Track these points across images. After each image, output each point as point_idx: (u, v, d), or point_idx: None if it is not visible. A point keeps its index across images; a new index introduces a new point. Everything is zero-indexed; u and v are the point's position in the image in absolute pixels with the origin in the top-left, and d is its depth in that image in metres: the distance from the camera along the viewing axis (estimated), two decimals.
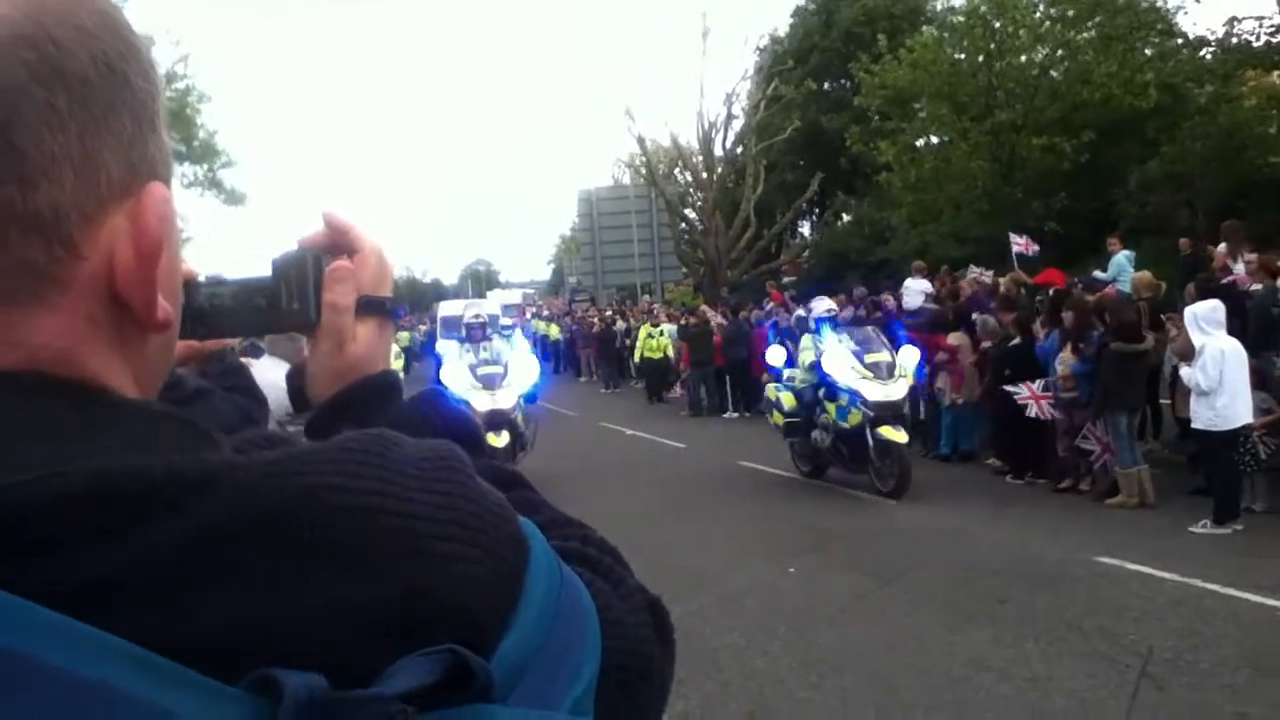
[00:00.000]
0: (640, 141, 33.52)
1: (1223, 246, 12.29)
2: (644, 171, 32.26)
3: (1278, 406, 8.92)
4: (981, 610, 6.74)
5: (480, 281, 79.98)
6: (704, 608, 6.97)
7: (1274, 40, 18.87)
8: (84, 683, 0.47)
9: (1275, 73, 20.16)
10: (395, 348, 10.00)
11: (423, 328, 45.03)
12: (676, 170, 36.61)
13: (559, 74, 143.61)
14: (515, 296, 41.60)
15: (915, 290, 16.08)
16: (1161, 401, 10.72)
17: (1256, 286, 10.23)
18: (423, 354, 38.36)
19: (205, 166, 28.40)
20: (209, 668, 0.50)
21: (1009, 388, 10.86)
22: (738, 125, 33.55)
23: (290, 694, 0.49)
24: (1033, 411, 10.62)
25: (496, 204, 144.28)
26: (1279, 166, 20.98)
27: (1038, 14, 23.63)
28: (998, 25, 23.54)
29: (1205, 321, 8.57)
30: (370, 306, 0.92)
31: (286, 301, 0.89)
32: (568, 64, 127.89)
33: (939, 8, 30.23)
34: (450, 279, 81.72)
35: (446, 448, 0.65)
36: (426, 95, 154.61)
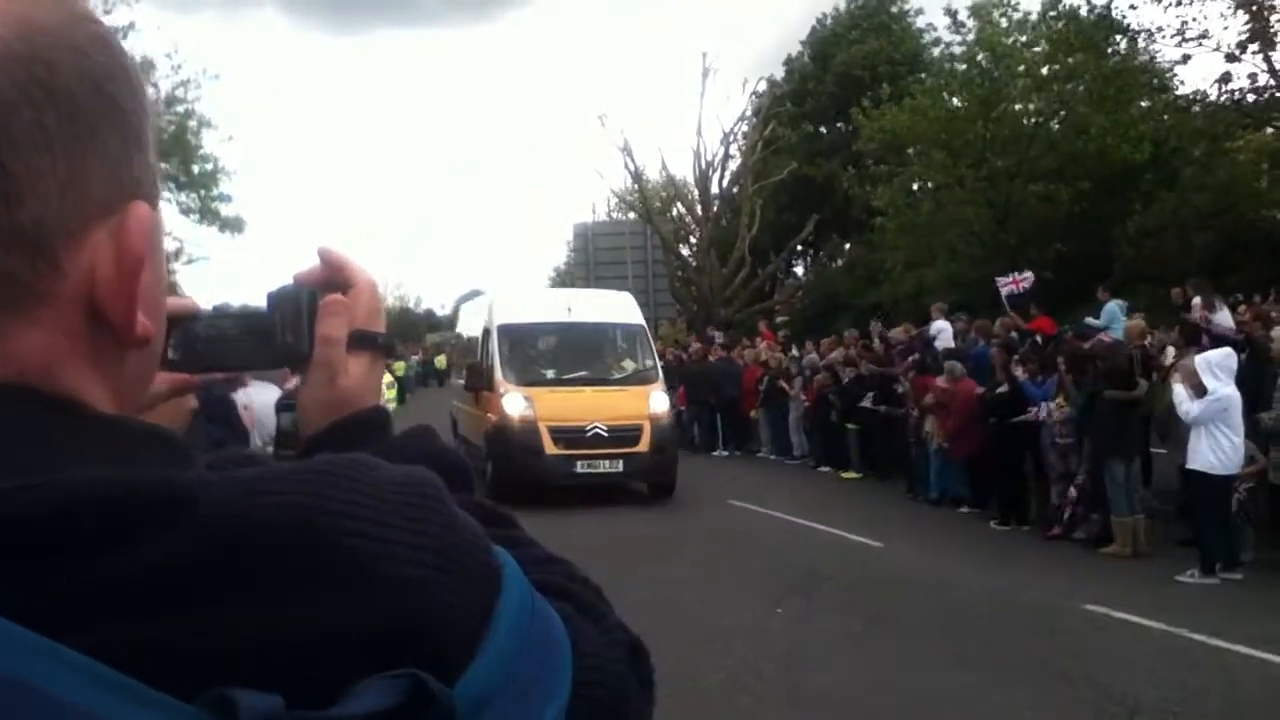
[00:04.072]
0: (637, 177, 33.72)
1: (1197, 299, 12.45)
2: (639, 207, 32.38)
3: (1261, 456, 8.94)
4: (969, 655, 6.69)
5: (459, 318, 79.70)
6: (691, 646, 6.91)
7: (1263, 99, 19.12)
8: (41, 698, 0.47)
9: (1267, 129, 20.40)
10: (388, 378, 9.84)
11: (415, 358, 45.03)
12: (673, 209, 36.78)
13: (556, 106, 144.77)
14: None
15: (946, 331, 15.94)
16: (1153, 450, 10.73)
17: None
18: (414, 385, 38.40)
19: (202, 192, 28.39)
20: (170, 685, 0.49)
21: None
22: (734, 165, 33.78)
23: (245, 713, 0.49)
24: (1043, 413, 10.65)
25: (491, 234, 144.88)
26: (1271, 220, 21.22)
27: (1037, 66, 23.93)
28: (996, 74, 23.85)
29: (1219, 368, 8.60)
30: (363, 341, 0.93)
31: (280, 334, 0.90)
32: (566, 96, 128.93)
33: (936, 54, 30.56)
34: (443, 309, 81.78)
35: (423, 475, 0.65)
36: (422, 124, 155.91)
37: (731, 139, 33.34)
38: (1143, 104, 22.53)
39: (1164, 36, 20.24)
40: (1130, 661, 6.47)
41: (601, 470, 13.03)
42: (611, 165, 57.95)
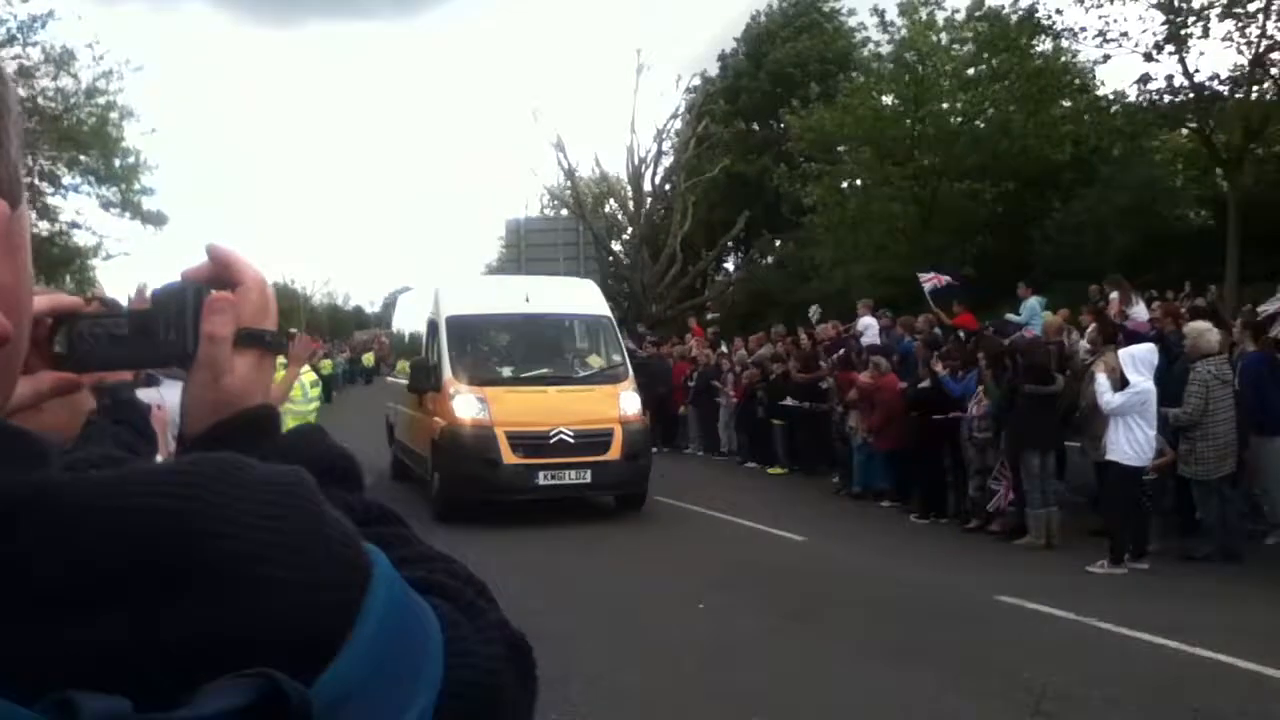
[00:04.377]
0: (570, 173, 33.64)
1: (1114, 295, 12.77)
2: (572, 203, 32.34)
3: (1170, 449, 9.19)
4: (889, 647, 6.78)
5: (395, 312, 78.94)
6: (613, 642, 6.91)
7: (1179, 100, 19.63)
8: None
9: (1183, 130, 20.96)
10: (312, 376, 9.53)
11: (343, 355, 44.45)
12: (605, 204, 36.78)
13: (490, 101, 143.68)
14: None
15: (873, 327, 16.14)
16: (1068, 444, 10.97)
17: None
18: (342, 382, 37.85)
19: (123, 186, 27.74)
20: (14, 690, 0.49)
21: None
22: (667, 161, 33.87)
23: (86, 715, 0.48)
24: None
25: (422, 231, 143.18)
26: (1186, 219, 21.81)
27: (963, 66, 24.33)
28: (923, 74, 24.21)
29: (1141, 363, 8.81)
30: (250, 339, 0.91)
31: (164, 332, 0.89)
32: (500, 92, 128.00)
33: (866, 54, 30.92)
34: (373, 306, 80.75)
35: (294, 474, 0.65)
36: (353, 119, 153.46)
37: (665, 135, 33.44)
38: (1064, 104, 23.04)
39: (1086, 37, 20.68)
40: (1040, 649, 6.59)
41: (567, 482, 11.50)
42: (545, 162, 57.86)
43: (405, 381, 13.97)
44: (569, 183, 33.87)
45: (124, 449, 1.88)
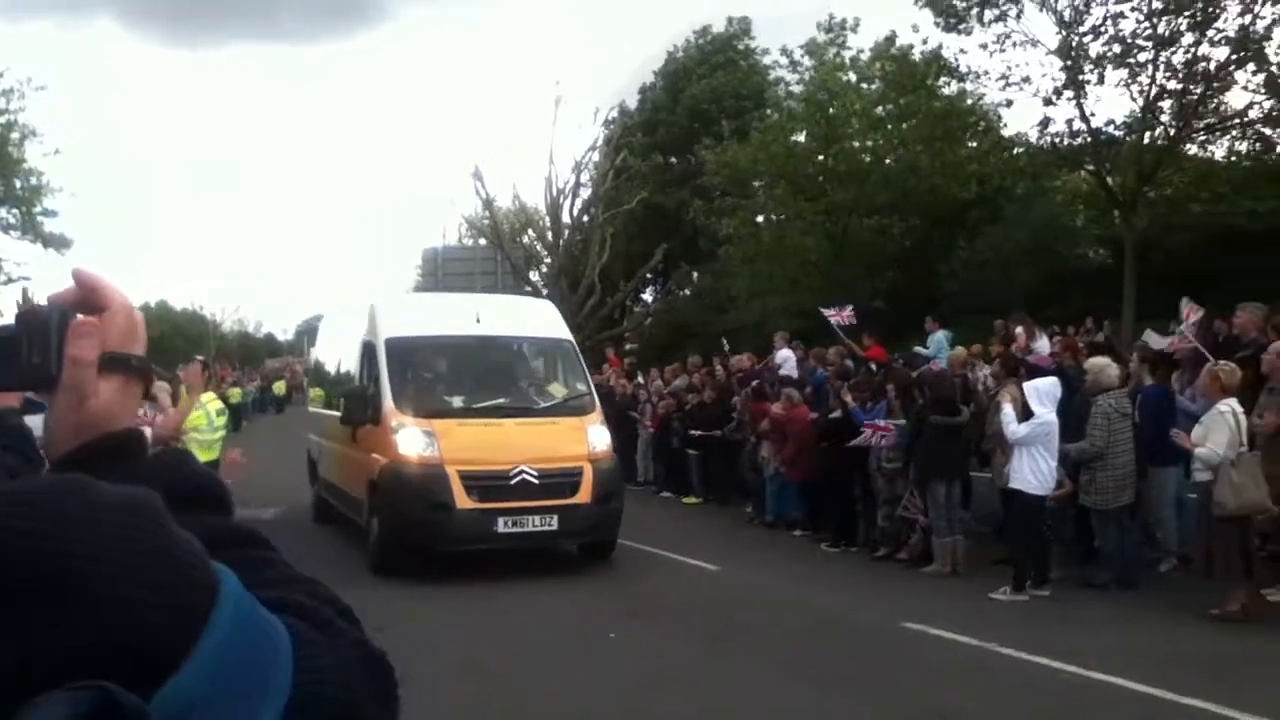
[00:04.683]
0: (488, 203, 33.56)
1: (1020, 330, 13.20)
2: (490, 233, 32.25)
3: (1069, 480, 9.48)
4: (800, 674, 6.86)
5: (317, 336, 77.67)
6: (523, 673, 6.87)
7: (1077, 143, 20.40)
8: None
9: (1081, 172, 21.77)
10: (218, 404, 9.24)
11: (253, 384, 43.53)
12: (522, 235, 36.74)
13: (409, 130, 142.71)
14: None
15: (790, 360, 16.28)
16: (973, 474, 11.24)
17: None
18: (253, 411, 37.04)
19: (24, 208, 26.88)
20: None
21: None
22: (585, 193, 34.01)
23: None
24: (874, 439, 10.91)
25: (337, 259, 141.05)
26: (1086, 258, 22.60)
27: (872, 105, 24.96)
28: (833, 112, 24.77)
29: (1046, 395, 9.09)
30: (115, 363, 0.92)
31: (27, 355, 0.88)
32: (418, 121, 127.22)
33: (780, 92, 31.54)
34: (285, 334, 79.10)
35: (143, 495, 0.66)
36: (267, 144, 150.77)
37: (583, 167, 33.59)
38: (970, 144, 23.76)
39: (989, 80, 21.41)
40: (944, 675, 6.73)
41: (531, 529, 10.08)
42: (463, 191, 57.52)
43: (330, 412, 12.84)
44: (487, 212, 33.78)
45: (6, 473, 1.85)
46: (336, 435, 12.30)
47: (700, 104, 34.88)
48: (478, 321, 11.46)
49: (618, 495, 10.81)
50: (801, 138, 25.75)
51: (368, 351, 11.53)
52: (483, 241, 33.90)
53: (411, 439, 10.26)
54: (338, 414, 11.97)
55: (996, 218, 23.69)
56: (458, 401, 11.10)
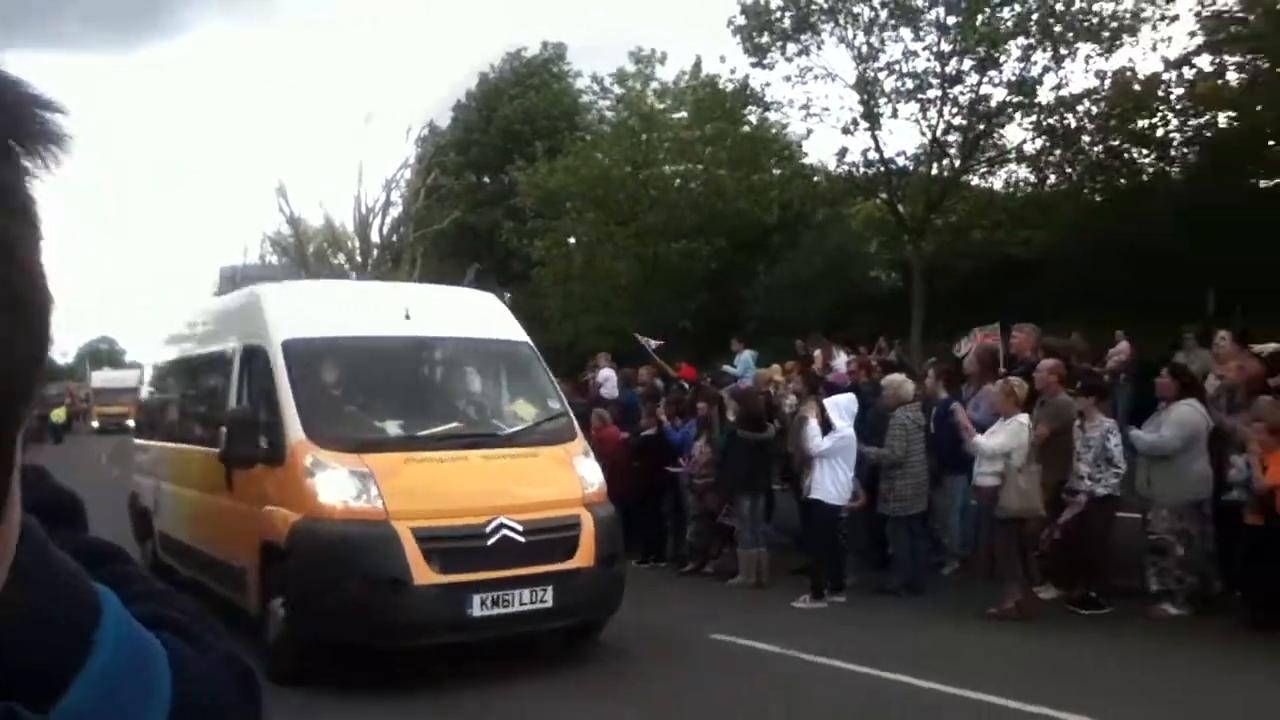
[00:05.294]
0: (293, 221, 32.59)
1: (817, 351, 13.86)
2: (294, 251, 31.33)
3: (863, 492, 9.98)
4: (608, 685, 6.96)
5: (101, 360, 73.33)
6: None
7: (871, 172, 21.55)
8: None
9: (875, 200, 22.97)
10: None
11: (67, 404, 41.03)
12: (330, 253, 35.83)
13: (206, 144, 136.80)
14: (129, 377, 35.44)
15: (612, 380, 16.36)
16: (774, 487, 11.63)
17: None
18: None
19: None
20: None
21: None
22: (396, 212, 33.48)
23: None
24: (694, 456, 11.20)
25: (127, 278, 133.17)
26: (878, 281, 23.85)
27: (681, 131, 25.63)
28: (644, 138, 25.31)
29: (844, 411, 9.55)
30: None
31: None
32: (217, 134, 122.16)
33: (591, 116, 31.97)
34: (65, 358, 73.95)
35: (24, 519, 0.66)
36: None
37: (394, 185, 33.07)
38: (774, 171, 24.72)
39: (792, 110, 22.36)
40: (751, 684, 6.96)
41: (516, 609, 7.09)
42: (266, 208, 55.58)
43: (177, 445, 10.08)
44: (292, 230, 32.81)
45: None
46: (194, 477, 9.28)
47: (513, 124, 34.92)
48: (407, 318, 8.39)
49: (621, 553, 8.11)
50: (611, 162, 26.18)
51: (248, 359, 8.45)
52: (287, 259, 32.88)
53: (337, 483, 7.11)
54: (191, 447, 9.38)
55: (796, 242, 24.73)
56: (395, 428, 7.91)
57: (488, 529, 7.04)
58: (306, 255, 30.88)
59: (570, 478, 7.89)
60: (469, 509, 7.17)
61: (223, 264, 33.90)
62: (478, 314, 9.35)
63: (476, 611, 6.95)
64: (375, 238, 33.07)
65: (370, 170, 41.00)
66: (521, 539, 7.11)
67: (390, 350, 8.57)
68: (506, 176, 31.48)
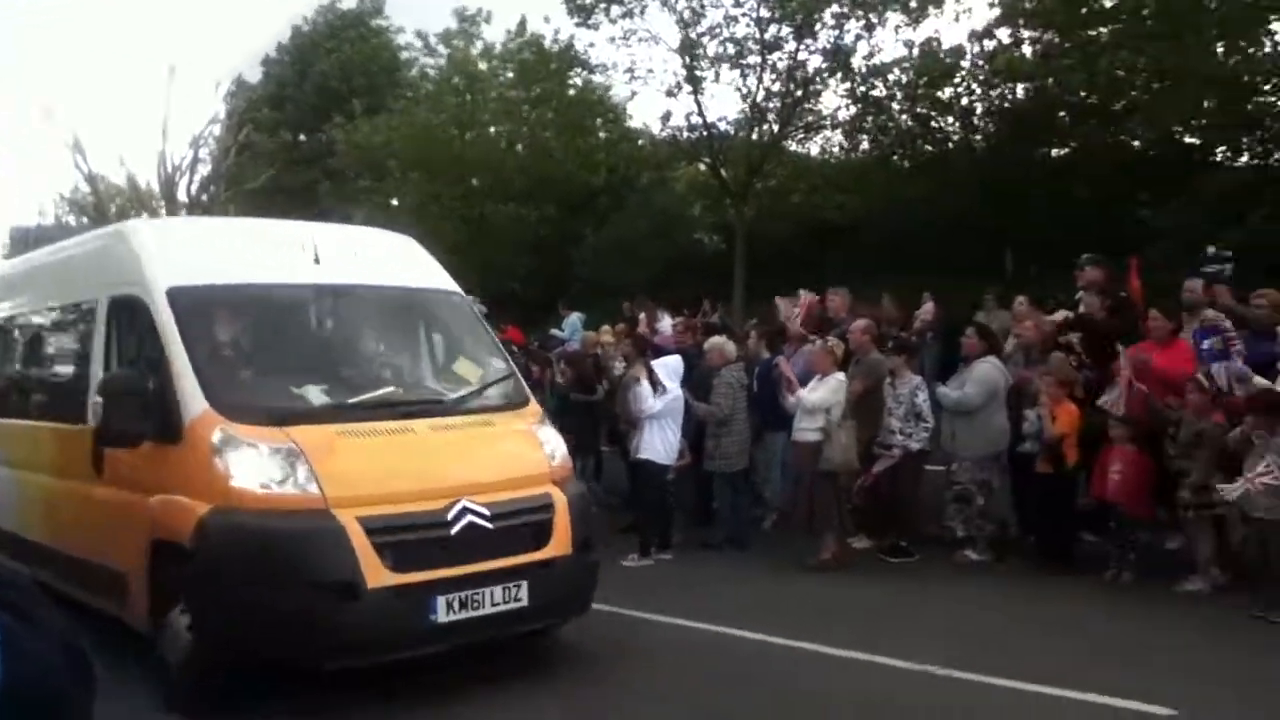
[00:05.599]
0: (91, 179, 30.69)
1: (642, 314, 14.12)
2: (93, 211, 29.55)
3: (689, 452, 10.25)
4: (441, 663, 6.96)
5: None
6: None
7: (695, 136, 21.90)
8: None
9: (700, 164, 23.35)
10: None
11: None
12: (133, 213, 33.94)
13: None
14: None
15: None
16: (602, 448, 11.82)
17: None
18: None
19: None
20: None
21: None
22: (206, 170, 31.98)
23: None
24: None
25: None
26: (702, 245, 24.33)
27: (507, 91, 25.34)
28: (468, 97, 24.91)
29: (672, 372, 9.75)
30: None
31: None
32: (2, 88, 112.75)
33: (414, 73, 31.20)
34: None
35: None
36: None
37: (202, 142, 31.51)
38: (600, 134, 24.78)
39: (617, 72, 22.45)
40: (586, 645, 7.07)
41: (486, 611, 5.87)
42: (61, 165, 52.06)
43: (13, 421, 8.25)
44: (91, 189, 30.90)
45: None
46: (44, 460, 7.62)
47: (329, 81, 33.70)
48: (316, 262, 6.85)
49: (593, 539, 6.84)
50: (436, 121, 25.71)
51: (117, 314, 6.87)
52: (86, 220, 30.99)
53: (257, 464, 5.65)
54: (36, 423, 7.87)
55: (623, 205, 24.92)
56: (316, 395, 6.31)
57: (449, 515, 5.80)
58: (108, 215, 29.11)
59: (534, 450, 6.67)
60: (422, 491, 5.88)
61: (14, 225, 31.64)
62: (397, 258, 7.67)
63: (442, 617, 5.68)
64: (183, 197, 31.52)
65: (176, 126, 38.91)
66: (489, 525, 5.91)
67: (300, 300, 7.01)
68: (324, 134, 30.45)
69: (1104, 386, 8.53)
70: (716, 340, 10.86)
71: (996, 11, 18.34)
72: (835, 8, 19.67)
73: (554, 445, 6.86)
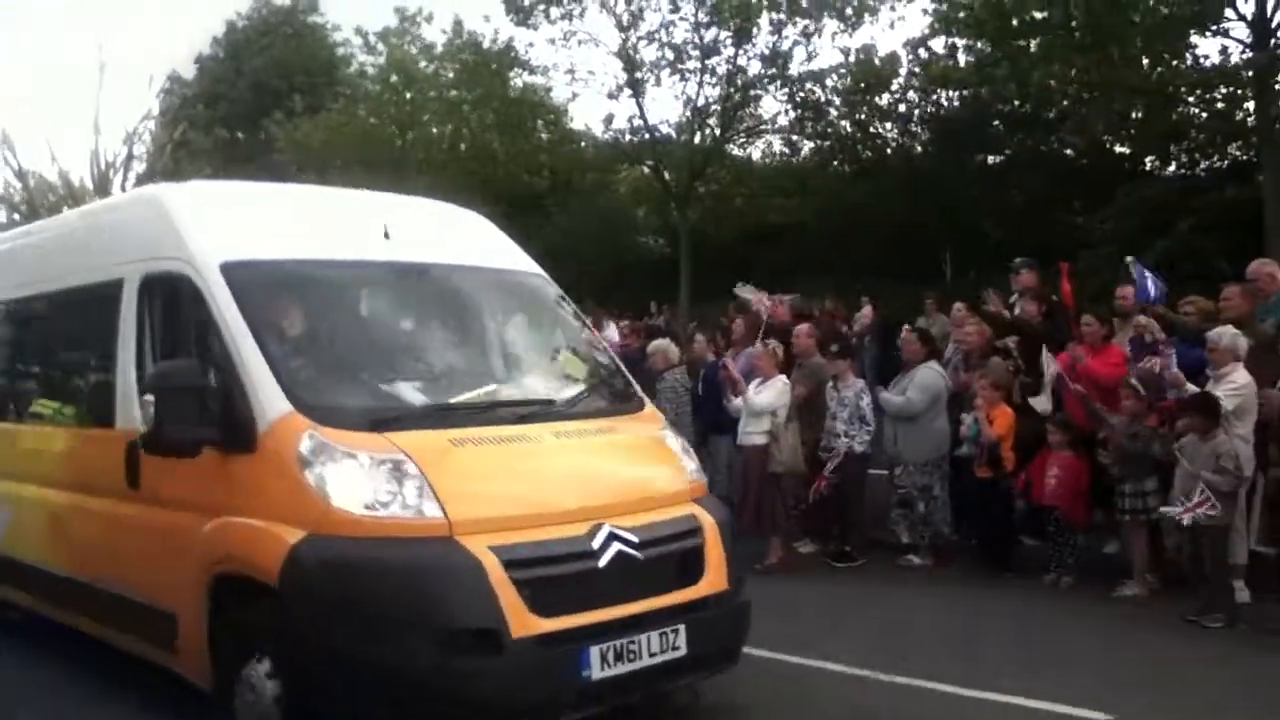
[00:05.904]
0: (21, 175, 29.97)
1: (591, 318, 14.19)
2: (24, 208, 28.85)
3: None
4: None
5: None
6: None
7: (637, 139, 21.99)
8: None
9: (643, 168, 23.47)
10: None
11: None
12: (67, 209, 33.22)
13: None
14: None
15: None
16: None
17: None
18: None
19: None
20: None
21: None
22: (141, 167, 31.40)
23: None
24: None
25: None
26: (647, 247, 24.45)
27: (447, 92, 25.19)
28: (409, 96, 24.72)
29: None
30: None
31: None
32: None
33: (352, 70, 30.89)
34: None
35: None
36: None
37: (136, 138, 30.93)
38: (542, 135, 24.74)
39: (557, 74, 22.46)
40: None
41: (646, 662, 4.61)
42: None
43: (21, 426, 6.88)
44: (21, 184, 30.17)
45: None
46: (51, 473, 6.33)
47: (266, 78, 33.24)
48: (386, 237, 5.67)
49: (741, 569, 5.45)
50: (376, 121, 25.47)
51: (152, 294, 5.59)
52: (17, 217, 30.30)
53: (360, 478, 4.43)
54: (50, 429, 6.55)
55: (567, 208, 24.93)
56: (412, 394, 5.09)
57: (595, 544, 4.57)
58: (39, 212, 28.48)
59: (669, 461, 5.51)
60: (560, 513, 4.65)
61: None
62: (475, 235, 6.52)
63: (596, 672, 4.45)
64: (117, 193, 30.95)
65: (109, 122, 38.13)
66: (639, 555, 4.67)
67: (374, 281, 5.71)
68: (263, 132, 30.03)
69: (1039, 390, 8.74)
70: (659, 344, 10.89)
71: (929, 20, 18.71)
72: (773, 15, 19.90)
73: (688, 458, 5.69)
